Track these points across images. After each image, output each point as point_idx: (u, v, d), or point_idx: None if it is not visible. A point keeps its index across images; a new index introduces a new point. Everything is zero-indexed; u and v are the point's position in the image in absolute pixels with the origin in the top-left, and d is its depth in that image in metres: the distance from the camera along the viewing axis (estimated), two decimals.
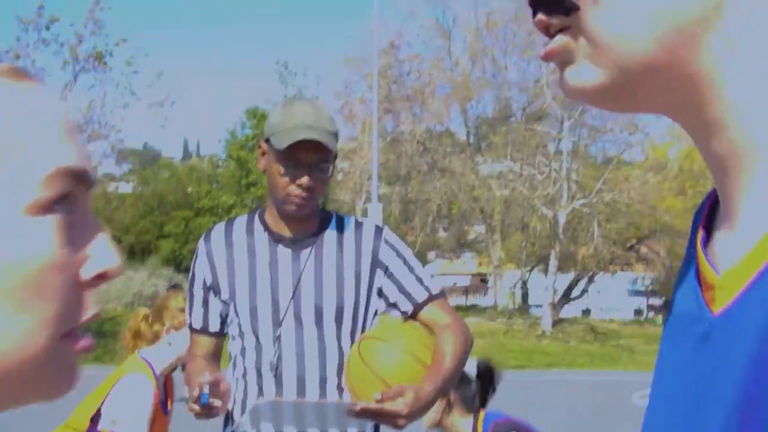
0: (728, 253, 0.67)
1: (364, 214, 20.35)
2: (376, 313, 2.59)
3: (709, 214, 0.77)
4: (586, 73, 0.67)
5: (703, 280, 0.69)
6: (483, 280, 48.58)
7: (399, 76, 29.17)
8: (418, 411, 2.26)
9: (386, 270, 2.55)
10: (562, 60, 0.68)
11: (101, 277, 0.67)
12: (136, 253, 41.58)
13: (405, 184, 30.81)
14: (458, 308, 31.86)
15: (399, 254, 2.57)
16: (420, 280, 2.56)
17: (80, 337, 0.67)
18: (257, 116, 34.29)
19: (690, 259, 0.76)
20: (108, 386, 3.58)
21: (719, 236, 0.71)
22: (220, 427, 2.63)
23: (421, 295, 2.54)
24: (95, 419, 3.45)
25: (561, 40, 0.68)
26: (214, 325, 2.58)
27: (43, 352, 0.63)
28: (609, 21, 0.64)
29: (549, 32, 0.69)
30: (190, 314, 2.61)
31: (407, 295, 2.54)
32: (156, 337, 3.59)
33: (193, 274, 2.59)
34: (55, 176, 0.64)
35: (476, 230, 41.56)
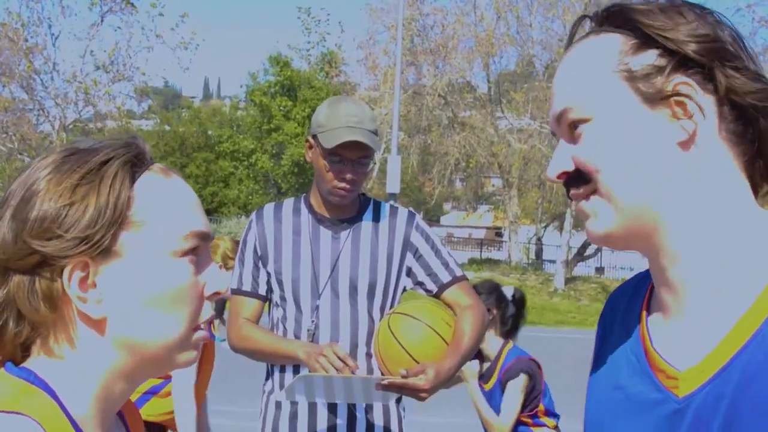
0: (678, 350, 0.99)
1: (383, 164, 20.50)
2: (404, 290, 2.88)
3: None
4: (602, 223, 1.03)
5: (655, 366, 1.00)
6: (498, 233, 48.83)
7: (422, 29, 29.08)
8: (438, 386, 2.51)
9: (416, 252, 2.83)
10: (586, 215, 1.04)
11: (216, 294, 1.07)
12: None
13: (424, 136, 30.89)
14: (473, 261, 32.15)
15: (428, 239, 2.86)
16: (446, 264, 2.85)
17: (203, 331, 1.08)
18: (280, 63, 34.31)
19: (621, 335, 1.08)
20: None
21: (663, 325, 1.03)
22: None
23: (445, 277, 2.83)
24: None
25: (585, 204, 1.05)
26: (262, 290, 2.85)
27: (180, 338, 1.04)
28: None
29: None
30: (241, 278, 2.86)
31: (433, 276, 2.83)
32: None
33: (245, 242, 2.88)
34: (189, 236, 1.04)
35: (493, 183, 41.64)
